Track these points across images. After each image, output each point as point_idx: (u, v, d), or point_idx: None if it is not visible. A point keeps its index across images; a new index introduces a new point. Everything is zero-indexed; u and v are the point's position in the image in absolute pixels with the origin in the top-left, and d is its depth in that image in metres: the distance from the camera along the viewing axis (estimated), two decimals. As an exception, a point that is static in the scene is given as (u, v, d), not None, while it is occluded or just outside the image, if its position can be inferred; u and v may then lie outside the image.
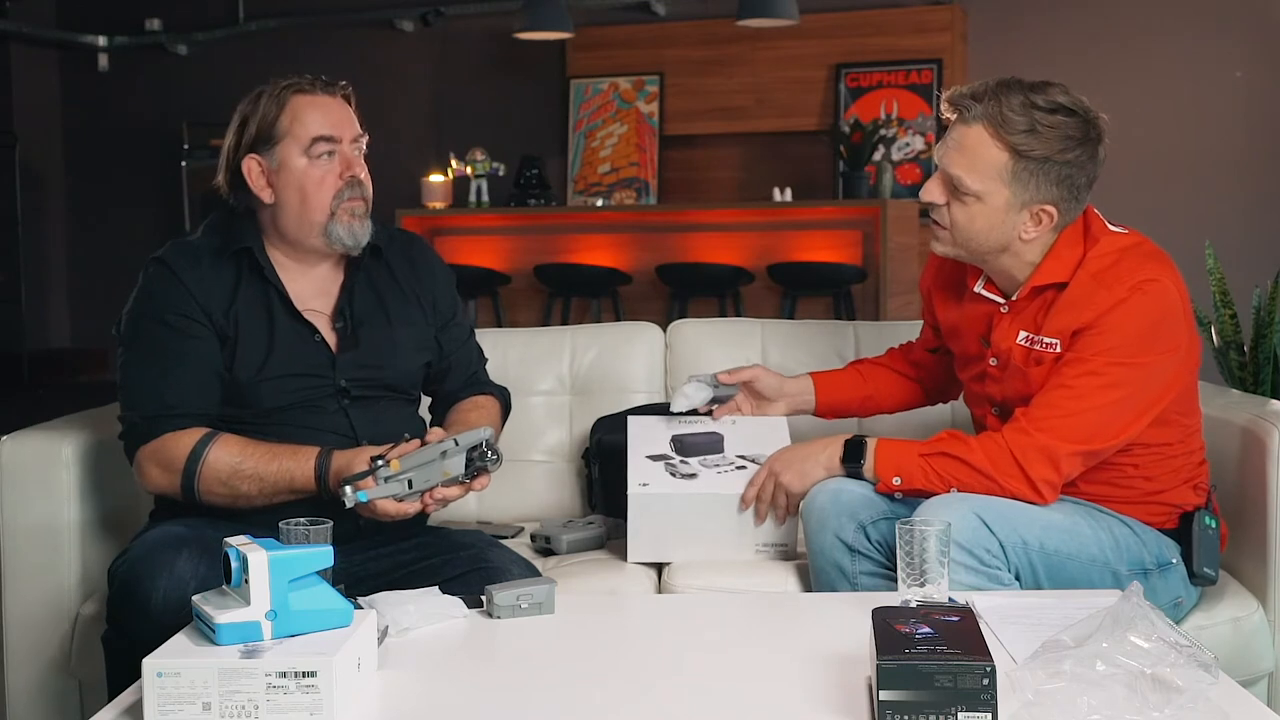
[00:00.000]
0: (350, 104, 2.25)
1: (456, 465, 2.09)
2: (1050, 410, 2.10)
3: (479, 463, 2.09)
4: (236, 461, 2.11)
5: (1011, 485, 2.09)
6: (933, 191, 2.19)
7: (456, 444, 2.08)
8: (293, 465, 2.11)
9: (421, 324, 2.35)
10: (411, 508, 2.08)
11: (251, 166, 2.20)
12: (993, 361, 2.24)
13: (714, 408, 2.56)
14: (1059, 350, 2.14)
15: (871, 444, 2.22)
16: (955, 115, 2.15)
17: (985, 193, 2.13)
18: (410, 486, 2.07)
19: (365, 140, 2.26)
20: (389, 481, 2.06)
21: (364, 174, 2.23)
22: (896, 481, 2.15)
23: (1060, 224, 2.16)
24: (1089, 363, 2.10)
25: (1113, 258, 2.14)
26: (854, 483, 2.25)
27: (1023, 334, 2.19)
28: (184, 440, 2.13)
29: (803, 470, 2.29)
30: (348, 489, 2.04)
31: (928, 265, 2.46)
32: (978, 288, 2.27)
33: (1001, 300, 2.24)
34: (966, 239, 2.18)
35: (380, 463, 2.05)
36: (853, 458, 2.23)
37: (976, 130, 2.11)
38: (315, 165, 2.19)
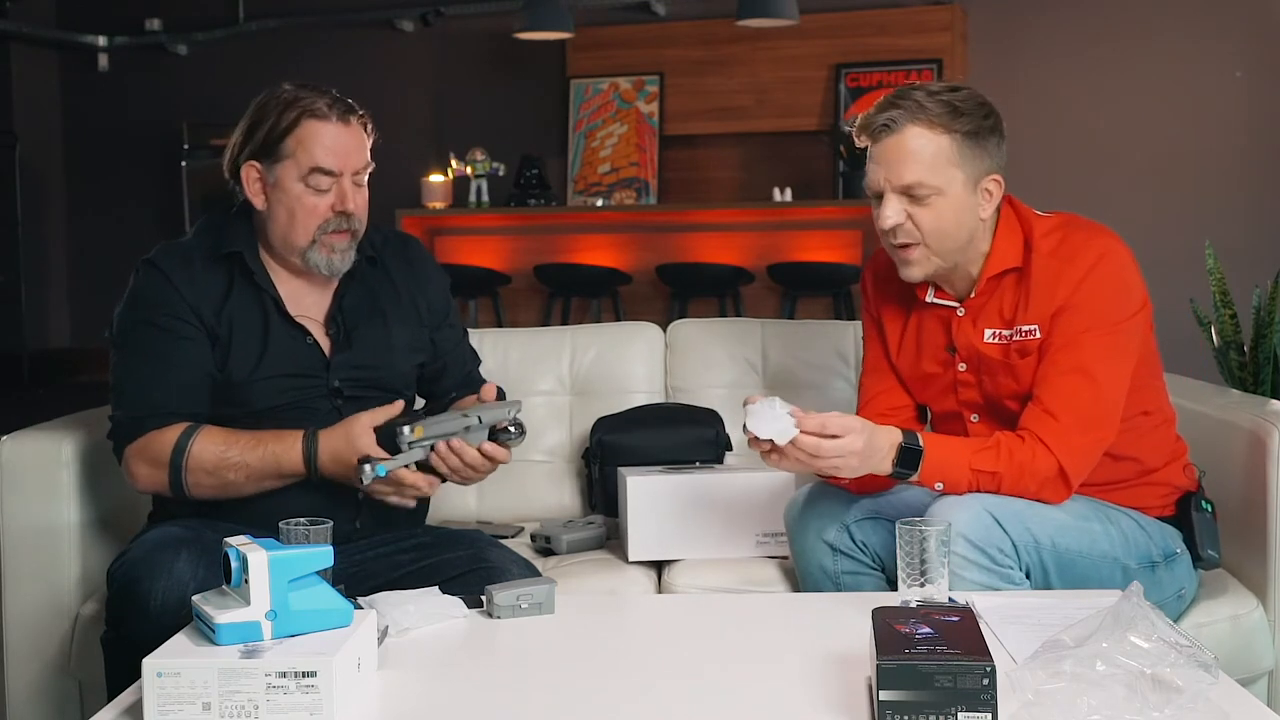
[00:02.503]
0: (365, 130, 2.23)
1: (478, 439, 2.10)
2: (1071, 403, 2.09)
3: (501, 438, 2.11)
4: (221, 450, 2.12)
5: (1050, 497, 2.09)
6: (892, 215, 2.14)
7: (480, 421, 2.09)
8: (279, 449, 2.12)
9: (416, 324, 2.35)
10: (423, 483, 2.11)
11: (250, 173, 2.20)
12: (962, 367, 2.23)
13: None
14: (1039, 336, 2.14)
15: (924, 454, 2.08)
16: (876, 137, 2.15)
17: (944, 183, 2.13)
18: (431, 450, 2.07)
19: (369, 170, 2.24)
20: (412, 447, 2.06)
21: (356, 206, 2.20)
22: (939, 487, 2.11)
23: (999, 198, 2.18)
24: (1080, 341, 2.11)
25: (1058, 233, 2.17)
26: (833, 485, 2.25)
27: (989, 331, 2.19)
28: (168, 435, 2.13)
29: (849, 468, 2.05)
30: (366, 467, 2.05)
31: (867, 306, 2.38)
32: (929, 297, 2.25)
33: (955, 304, 2.23)
34: (940, 241, 2.15)
35: (406, 429, 2.05)
36: (905, 464, 2.08)
37: (911, 132, 2.12)
38: (308, 194, 2.18)
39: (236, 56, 7.64)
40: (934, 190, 2.12)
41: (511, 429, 2.12)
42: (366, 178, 2.24)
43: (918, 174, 2.12)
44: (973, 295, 2.20)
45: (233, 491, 2.14)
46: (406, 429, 2.05)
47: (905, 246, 2.16)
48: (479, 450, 2.12)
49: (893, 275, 2.31)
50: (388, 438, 2.10)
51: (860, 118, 2.18)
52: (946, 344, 2.25)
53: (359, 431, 2.11)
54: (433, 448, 2.09)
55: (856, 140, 2.20)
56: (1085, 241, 2.14)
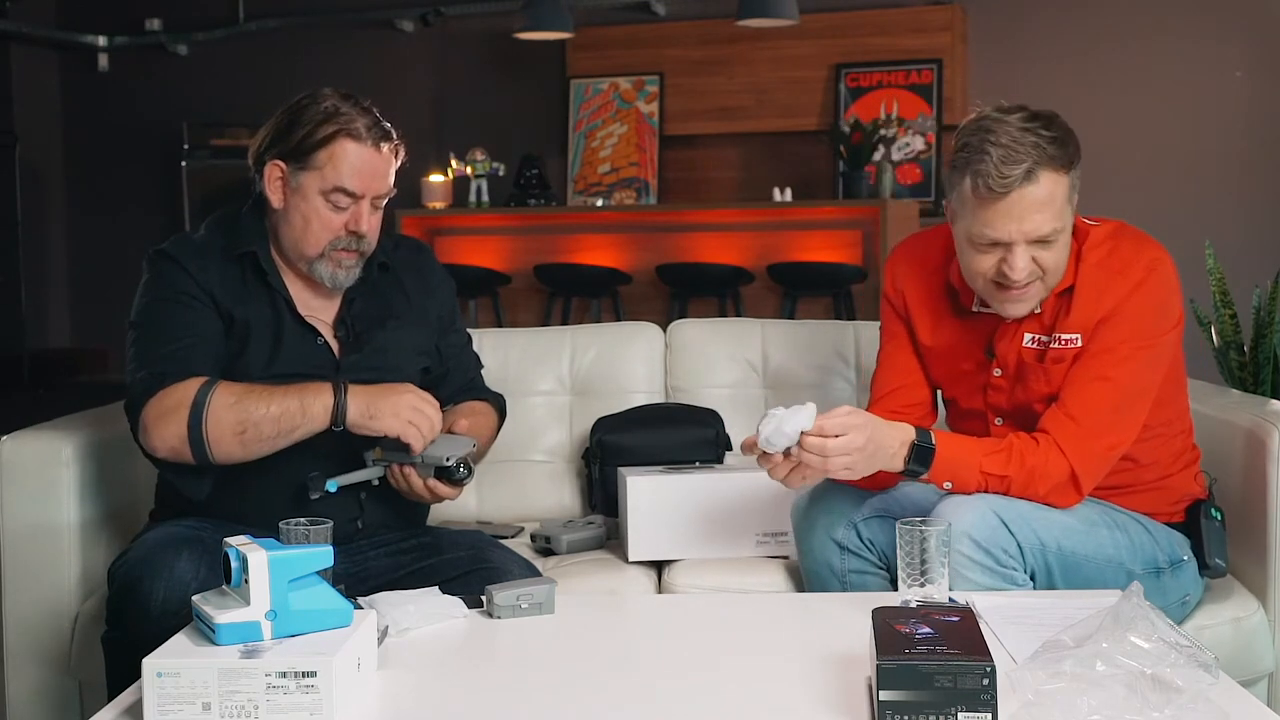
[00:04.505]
0: (396, 157, 2.24)
1: (426, 472, 2.16)
2: (1095, 409, 2.09)
3: (441, 475, 2.16)
4: (243, 390, 2.09)
5: (1059, 501, 2.09)
6: (1023, 265, 2.05)
7: (422, 460, 2.14)
8: (305, 386, 2.11)
9: (424, 330, 2.36)
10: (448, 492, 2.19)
11: (273, 171, 2.20)
12: (997, 372, 2.22)
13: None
14: (1080, 344, 2.13)
15: (935, 453, 2.07)
16: (1010, 190, 2.02)
17: (1066, 221, 2.09)
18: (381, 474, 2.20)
19: (390, 195, 2.25)
20: (376, 464, 2.18)
21: (369, 228, 2.21)
22: (948, 486, 2.10)
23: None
24: (1116, 350, 2.10)
25: (1107, 245, 2.15)
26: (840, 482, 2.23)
27: (1028, 336, 2.17)
28: (187, 386, 2.09)
29: (858, 468, 2.04)
30: (315, 480, 2.16)
31: (892, 299, 2.33)
32: (976, 307, 2.22)
33: None
34: (1055, 276, 2.11)
35: (368, 451, 2.18)
36: (918, 462, 2.07)
37: (1045, 178, 2.03)
38: (326, 208, 2.18)
39: (236, 56, 7.64)
40: (1061, 231, 2.08)
41: (461, 469, 2.15)
42: (385, 202, 2.25)
43: (1051, 222, 2.05)
44: (1038, 311, 2.17)
45: (252, 433, 2.08)
46: (369, 451, 2.17)
47: (1023, 287, 2.10)
48: (424, 483, 2.16)
49: (927, 270, 2.28)
50: (357, 454, 2.19)
51: (987, 178, 2.02)
52: (985, 347, 2.23)
53: (410, 386, 2.16)
54: (388, 468, 2.19)
55: (974, 195, 2.04)
56: (1135, 255, 2.13)
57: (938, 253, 2.27)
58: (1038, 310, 2.17)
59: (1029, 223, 2.04)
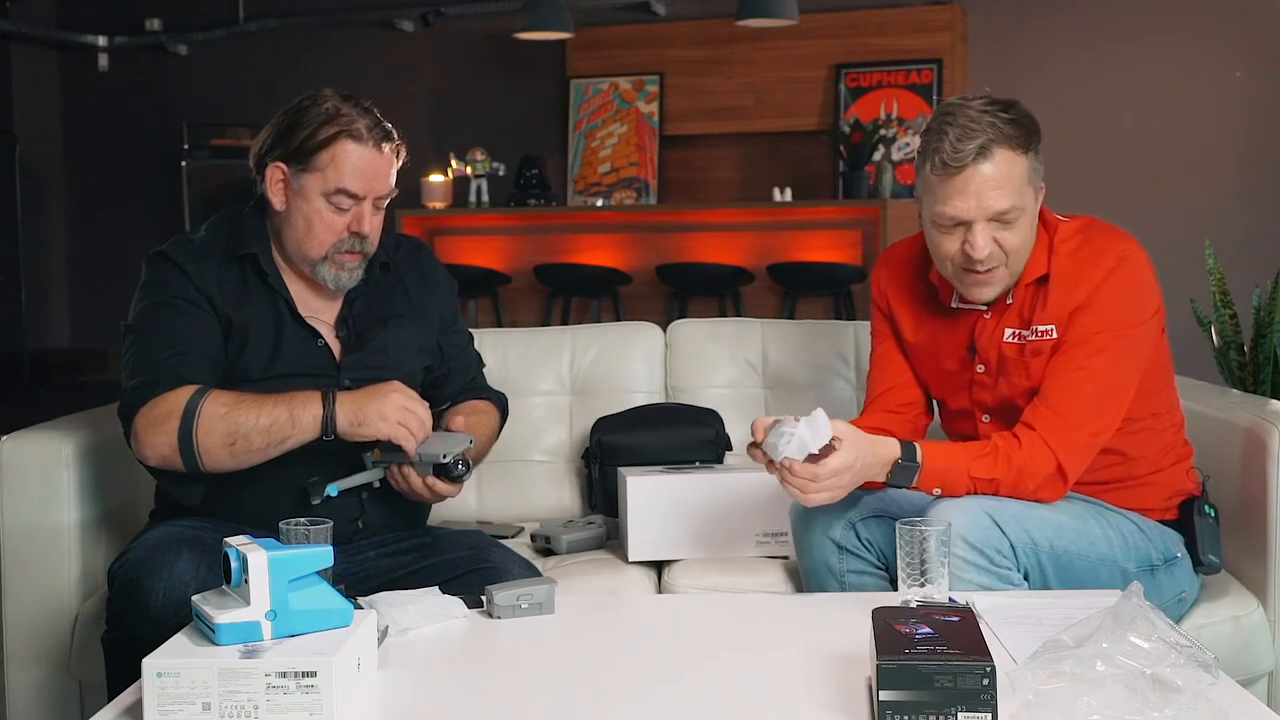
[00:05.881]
0: (397, 157, 2.24)
1: (425, 470, 2.16)
2: (1075, 399, 2.10)
3: (439, 473, 2.16)
4: (233, 400, 2.09)
5: (1047, 496, 2.09)
6: (984, 244, 2.09)
7: (420, 458, 2.14)
8: (295, 394, 2.10)
9: (425, 329, 2.36)
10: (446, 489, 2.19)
11: (275, 173, 2.20)
12: (980, 369, 2.23)
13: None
14: (1055, 336, 2.15)
15: (921, 467, 2.08)
16: (962, 167, 2.06)
17: (1026, 202, 2.11)
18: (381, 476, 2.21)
19: (392, 195, 2.25)
20: (375, 466, 2.18)
21: (371, 229, 2.21)
22: (937, 492, 2.10)
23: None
24: (1093, 341, 2.11)
25: (1079, 237, 2.17)
26: None
27: (1008, 331, 2.19)
28: (179, 394, 2.09)
29: (846, 486, 2.06)
30: (316, 485, 2.16)
31: (878, 302, 2.37)
32: (955, 302, 2.24)
33: (983, 307, 2.23)
34: (1019, 260, 2.14)
35: (368, 454, 2.18)
36: (900, 480, 2.09)
37: (1001, 156, 2.07)
38: (329, 210, 2.18)
39: (236, 56, 7.65)
40: (1021, 211, 2.10)
41: (460, 466, 2.16)
42: (386, 202, 2.25)
43: (1009, 199, 2.08)
44: (1009, 301, 2.19)
45: (242, 449, 2.08)
46: (368, 453, 2.18)
47: (988, 270, 2.13)
48: (424, 481, 2.16)
49: (909, 272, 2.31)
50: (356, 454, 2.19)
51: (943, 154, 2.07)
52: (967, 344, 2.24)
53: (396, 384, 2.15)
54: (388, 468, 2.19)
55: (933, 174, 2.09)
56: (1106, 245, 2.15)
57: (918, 254, 2.30)
58: (1010, 300, 2.19)
59: (986, 198, 2.08)
